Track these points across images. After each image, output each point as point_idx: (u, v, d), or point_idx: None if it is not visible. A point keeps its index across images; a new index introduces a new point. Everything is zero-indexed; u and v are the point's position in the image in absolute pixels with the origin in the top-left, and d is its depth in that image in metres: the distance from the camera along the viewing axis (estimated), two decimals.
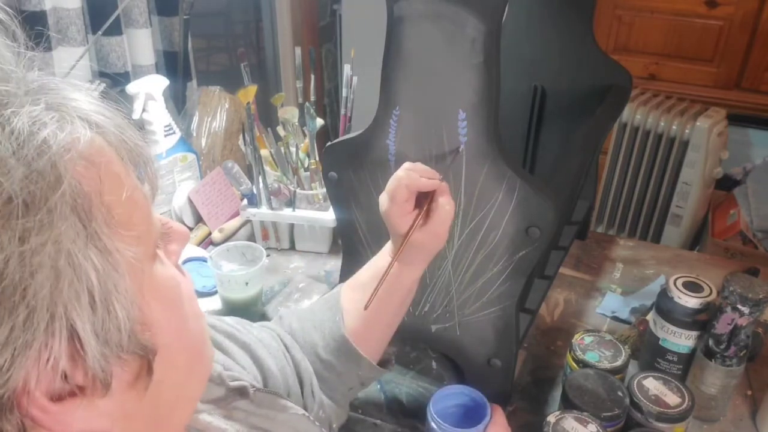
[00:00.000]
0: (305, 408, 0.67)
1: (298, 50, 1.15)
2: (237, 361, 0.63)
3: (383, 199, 0.67)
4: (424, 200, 0.67)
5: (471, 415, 0.76)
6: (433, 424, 0.73)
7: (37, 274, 0.29)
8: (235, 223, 1.27)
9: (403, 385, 0.92)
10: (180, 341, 0.38)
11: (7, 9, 0.34)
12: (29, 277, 0.28)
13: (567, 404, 0.77)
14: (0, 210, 0.28)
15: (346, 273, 0.92)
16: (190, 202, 1.25)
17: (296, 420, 0.59)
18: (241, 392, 0.57)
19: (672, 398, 0.76)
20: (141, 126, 1.24)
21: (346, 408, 0.76)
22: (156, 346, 0.35)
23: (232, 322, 0.67)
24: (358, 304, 0.70)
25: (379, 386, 0.92)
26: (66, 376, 0.31)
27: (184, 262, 1.11)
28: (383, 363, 0.75)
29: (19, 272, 0.28)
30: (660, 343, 0.87)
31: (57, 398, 0.31)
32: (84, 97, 0.35)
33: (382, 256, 0.73)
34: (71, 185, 0.30)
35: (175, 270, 0.40)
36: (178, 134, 1.27)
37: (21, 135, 0.29)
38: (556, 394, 0.89)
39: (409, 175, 0.65)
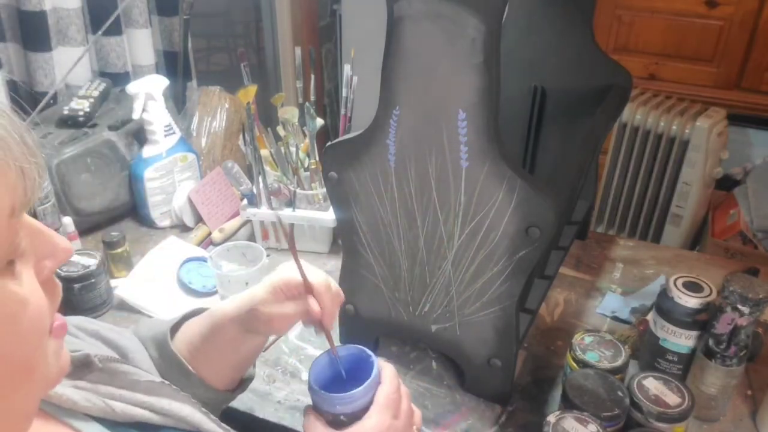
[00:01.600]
0: None
1: (298, 50, 1.15)
2: (80, 339, 0.62)
3: (263, 287, 0.67)
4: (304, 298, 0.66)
5: (360, 376, 0.65)
6: (312, 395, 0.64)
7: None
8: (235, 223, 1.27)
9: (403, 384, 0.92)
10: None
11: None
12: None
13: (567, 404, 0.77)
14: None
15: (346, 273, 0.92)
16: (190, 202, 1.25)
17: (157, 387, 0.58)
18: (86, 363, 0.55)
19: (672, 398, 0.76)
20: (140, 126, 1.24)
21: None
22: None
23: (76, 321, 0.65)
24: (187, 345, 0.69)
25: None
26: None
27: (185, 262, 1.11)
28: (235, 389, 0.74)
29: None
30: (660, 343, 0.87)
31: None
32: None
33: (225, 314, 0.70)
34: None
35: (32, 289, 0.38)
36: (178, 134, 1.27)
37: None
38: (556, 394, 0.89)
39: (293, 283, 0.65)
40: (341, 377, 0.66)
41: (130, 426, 0.54)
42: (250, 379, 0.76)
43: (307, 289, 0.66)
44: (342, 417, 0.62)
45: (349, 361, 0.67)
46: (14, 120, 0.37)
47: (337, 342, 0.96)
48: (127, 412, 0.54)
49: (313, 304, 0.66)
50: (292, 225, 1.18)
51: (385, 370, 0.65)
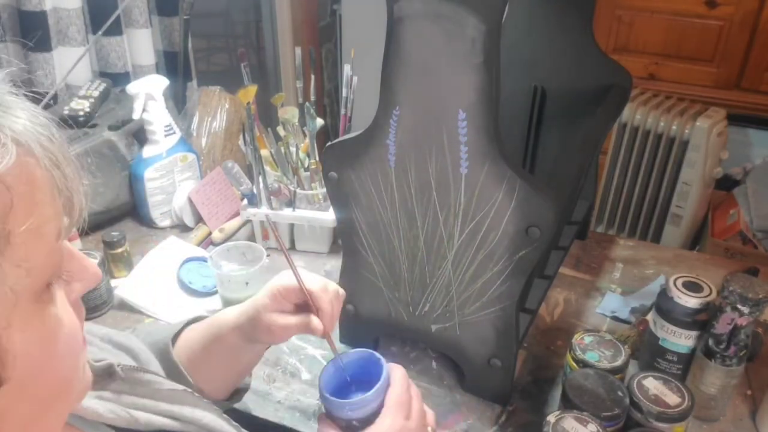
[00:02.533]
0: None
1: (298, 50, 1.15)
2: (101, 349, 0.63)
3: (266, 293, 0.68)
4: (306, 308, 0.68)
5: (368, 379, 0.65)
6: (323, 402, 0.65)
7: None
8: (235, 223, 1.27)
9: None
10: (37, 378, 0.37)
11: None
12: None
13: (567, 404, 0.77)
14: None
15: (346, 273, 0.92)
16: (190, 202, 1.25)
17: (179, 395, 0.58)
18: (109, 372, 0.56)
19: (672, 398, 0.76)
20: (140, 126, 1.24)
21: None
22: (4, 378, 0.34)
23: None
24: (187, 352, 0.71)
25: None
26: None
27: (185, 261, 1.11)
28: (230, 396, 0.75)
29: None
30: (660, 342, 0.87)
31: None
32: (32, 125, 0.34)
33: (226, 321, 0.71)
34: None
35: (65, 310, 0.39)
36: (178, 134, 1.27)
37: None
38: (556, 394, 0.89)
39: (292, 290, 0.67)
40: (351, 382, 0.67)
41: None
42: (245, 389, 0.77)
43: (305, 295, 0.66)
44: (354, 422, 0.62)
45: (358, 365, 0.68)
46: (62, 138, 0.37)
47: (336, 342, 0.96)
48: (150, 421, 0.55)
49: (314, 320, 0.66)
50: (289, 231, 1.18)
51: (394, 371, 0.65)
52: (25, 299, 0.35)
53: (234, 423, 0.59)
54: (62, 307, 0.39)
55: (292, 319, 0.68)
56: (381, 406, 0.62)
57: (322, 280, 0.69)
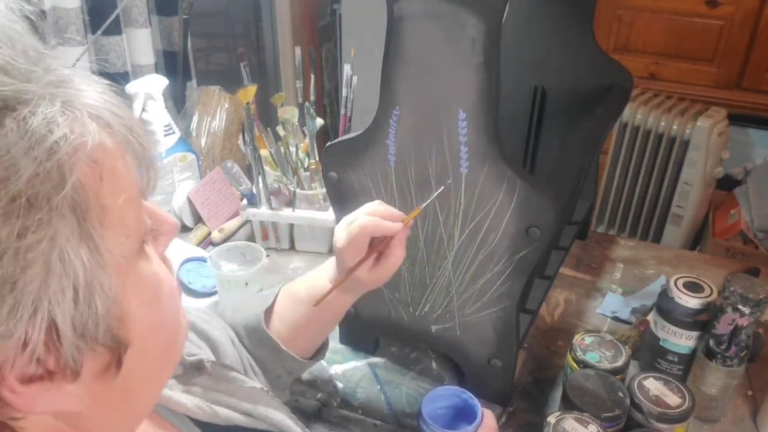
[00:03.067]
0: None
1: (298, 50, 1.15)
2: (189, 341, 0.66)
3: (341, 237, 0.69)
4: (379, 242, 0.69)
5: (462, 416, 0.76)
6: (423, 426, 0.74)
7: (29, 269, 0.29)
8: (234, 223, 1.26)
9: (403, 385, 0.92)
10: (153, 336, 0.39)
11: (32, 4, 0.34)
12: (21, 272, 0.29)
13: (567, 405, 0.77)
14: (4, 207, 0.28)
15: None
16: (190, 202, 1.25)
17: (256, 394, 0.61)
18: (198, 367, 0.58)
19: (672, 399, 0.76)
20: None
21: (282, 392, 0.80)
22: (129, 340, 0.36)
23: None
24: (288, 313, 0.74)
25: (379, 386, 0.92)
26: (38, 361, 0.31)
27: (184, 262, 1.11)
28: (315, 354, 0.79)
29: (12, 266, 0.29)
30: (660, 343, 0.86)
31: (26, 380, 0.32)
32: (98, 94, 0.35)
33: (322, 276, 0.75)
34: (74, 186, 0.31)
35: (159, 265, 0.40)
36: (178, 134, 1.27)
37: (34, 135, 0.30)
38: (557, 395, 0.89)
39: (374, 223, 0.67)
40: (443, 415, 0.77)
41: (227, 429, 0.57)
42: (326, 345, 0.81)
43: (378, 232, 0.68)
44: None
45: (448, 398, 0.78)
46: (128, 106, 0.38)
47: (337, 343, 0.97)
48: (230, 417, 0.57)
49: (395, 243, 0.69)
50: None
51: (486, 414, 0.74)
52: (132, 263, 0.36)
53: (299, 422, 0.62)
54: (157, 263, 0.40)
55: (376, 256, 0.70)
56: None
57: (380, 212, 0.69)
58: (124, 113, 0.36)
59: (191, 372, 0.58)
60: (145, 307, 0.37)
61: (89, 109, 0.34)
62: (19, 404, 0.32)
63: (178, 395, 0.55)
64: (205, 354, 0.66)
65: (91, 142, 0.32)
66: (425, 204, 0.73)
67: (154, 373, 0.42)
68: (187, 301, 1.07)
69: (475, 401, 0.75)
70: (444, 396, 0.78)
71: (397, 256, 0.69)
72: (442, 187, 0.73)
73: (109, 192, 0.33)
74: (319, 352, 0.80)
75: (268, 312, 0.75)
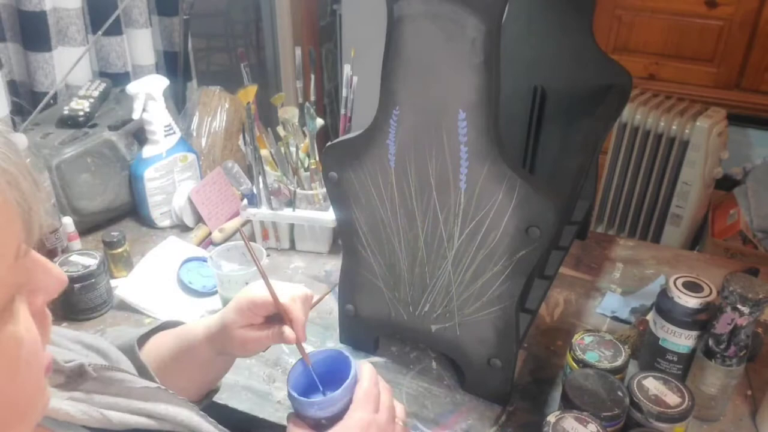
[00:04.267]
0: None
1: (298, 50, 1.15)
2: (69, 350, 0.62)
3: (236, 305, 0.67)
4: (277, 320, 0.67)
5: (338, 378, 0.65)
6: (292, 403, 0.65)
7: None
8: (235, 223, 1.27)
9: (403, 385, 0.92)
10: (1, 400, 0.36)
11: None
12: None
13: (567, 404, 0.77)
14: None
15: (346, 273, 0.92)
16: (190, 202, 1.25)
17: (154, 393, 0.57)
18: (80, 373, 0.55)
19: (672, 398, 0.76)
20: (140, 126, 1.24)
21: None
22: None
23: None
24: (156, 359, 0.70)
25: None
26: None
27: (185, 262, 1.11)
28: (202, 398, 0.75)
29: None
30: (660, 343, 0.87)
31: None
32: None
33: (199, 325, 0.71)
34: None
35: (26, 325, 0.37)
36: (178, 134, 1.27)
37: None
38: (556, 394, 0.89)
39: (265, 303, 0.66)
40: (321, 382, 0.67)
41: None
42: (215, 391, 0.77)
43: (275, 308, 0.66)
44: (323, 420, 0.62)
45: (327, 364, 0.67)
46: (19, 151, 0.35)
47: (337, 343, 0.96)
48: (123, 420, 0.54)
49: (287, 330, 0.66)
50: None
51: (362, 367, 0.65)
52: None
53: (210, 419, 0.59)
54: (24, 322, 0.37)
55: (264, 333, 0.67)
56: (350, 404, 0.62)
57: (290, 289, 0.68)
58: (13, 167, 0.34)
59: (74, 379, 0.54)
60: None
61: None
62: None
63: (59, 403, 0.51)
64: (92, 359, 0.62)
65: None
66: (314, 303, 0.71)
67: None
68: (187, 301, 1.07)
69: (346, 357, 0.66)
70: (320, 363, 0.67)
71: (285, 336, 0.66)
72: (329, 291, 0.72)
73: None
74: (204, 398, 0.76)
75: (143, 339, 0.72)
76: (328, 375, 0.67)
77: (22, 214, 0.35)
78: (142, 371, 0.67)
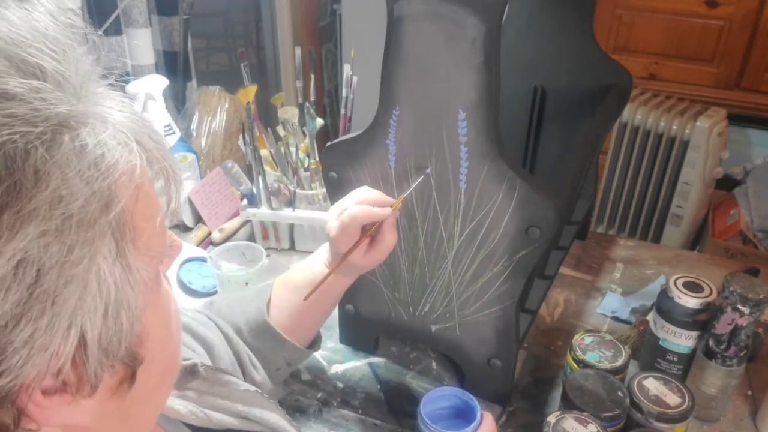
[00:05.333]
0: (254, 384, 0.70)
1: (298, 50, 1.15)
2: (182, 342, 0.66)
3: (333, 227, 0.72)
4: (370, 227, 0.72)
5: (461, 417, 0.77)
6: (422, 426, 0.74)
7: (70, 285, 0.30)
8: (235, 223, 1.27)
9: (403, 385, 0.92)
10: (162, 353, 0.40)
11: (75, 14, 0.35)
12: (63, 287, 0.30)
13: (567, 404, 0.77)
14: (59, 225, 0.29)
15: None
16: (190, 202, 1.25)
17: (251, 396, 0.61)
18: (192, 371, 0.59)
19: (672, 398, 0.76)
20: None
21: (278, 386, 0.82)
22: (144, 357, 0.37)
23: None
24: (286, 302, 0.76)
25: (379, 386, 0.92)
26: (61, 375, 0.32)
27: (185, 262, 1.11)
28: (311, 344, 0.80)
29: (55, 281, 0.30)
30: (660, 343, 0.87)
31: (47, 393, 0.33)
32: (132, 116, 0.36)
33: (317, 262, 0.78)
34: (118, 208, 0.32)
35: (168, 285, 0.42)
36: (178, 134, 1.27)
37: (90, 157, 0.31)
38: (556, 394, 0.89)
39: (364, 211, 0.70)
40: (442, 416, 0.78)
41: None
42: (320, 337, 0.83)
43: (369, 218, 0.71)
44: None
45: (448, 399, 0.78)
46: (161, 135, 0.39)
47: (337, 343, 0.97)
48: (222, 421, 0.57)
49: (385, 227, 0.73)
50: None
51: (486, 416, 0.74)
52: (154, 283, 0.38)
53: (294, 423, 0.63)
54: (166, 283, 0.41)
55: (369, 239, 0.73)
56: None
57: (357, 195, 0.73)
58: (159, 138, 0.37)
59: (185, 376, 0.59)
60: (158, 326, 0.39)
61: (135, 135, 0.35)
62: (38, 416, 0.33)
63: (171, 401, 0.55)
64: (200, 357, 0.67)
65: (139, 168, 0.34)
66: (411, 188, 0.75)
67: (159, 387, 0.43)
68: (187, 301, 1.07)
69: (475, 402, 0.76)
70: (444, 396, 0.78)
71: (388, 239, 0.72)
72: (428, 170, 0.75)
73: (142, 215, 0.35)
74: (315, 342, 0.81)
75: (267, 304, 0.76)
76: (445, 410, 0.78)
77: (171, 183, 0.39)
78: (267, 332, 0.74)
